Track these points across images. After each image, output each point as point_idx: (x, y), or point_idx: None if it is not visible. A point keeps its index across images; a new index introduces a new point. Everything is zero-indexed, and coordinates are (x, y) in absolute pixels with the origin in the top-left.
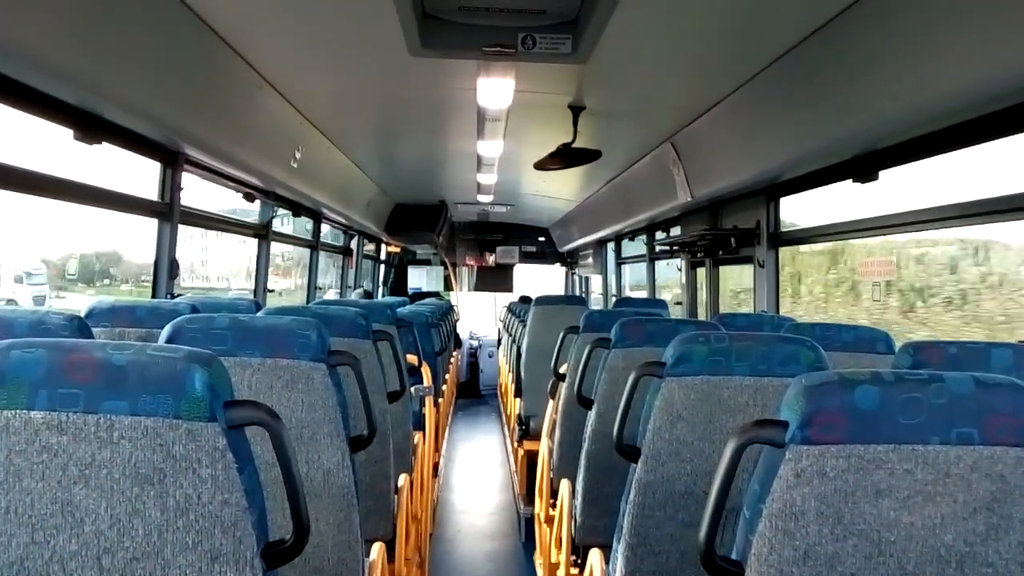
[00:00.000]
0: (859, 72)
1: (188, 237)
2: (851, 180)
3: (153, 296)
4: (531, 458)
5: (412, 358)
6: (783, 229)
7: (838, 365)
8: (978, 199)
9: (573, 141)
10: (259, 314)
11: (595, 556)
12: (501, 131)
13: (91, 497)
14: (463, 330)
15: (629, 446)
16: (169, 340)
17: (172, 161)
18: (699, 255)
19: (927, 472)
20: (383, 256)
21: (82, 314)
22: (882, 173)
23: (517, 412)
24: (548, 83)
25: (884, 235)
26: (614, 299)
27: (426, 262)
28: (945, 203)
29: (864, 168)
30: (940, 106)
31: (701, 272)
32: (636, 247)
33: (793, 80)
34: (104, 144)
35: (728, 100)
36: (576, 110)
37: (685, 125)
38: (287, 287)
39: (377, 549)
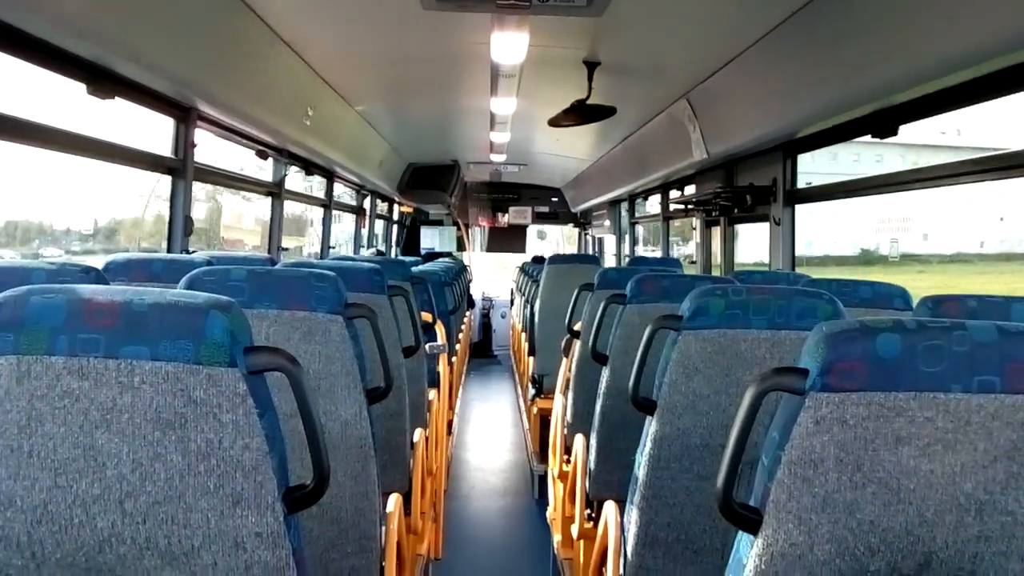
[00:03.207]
0: (875, 24)
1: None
2: (870, 136)
3: (168, 252)
4: (544, 416)
5: (426, 315)
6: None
7: None
8: (999, 154)
9: (588, 97)
10: (276, 267)
11: (610, 508)
12: (515, 87)
13: (113, 442)
14: (476, 291)
15: (645, 399)
16: None
17: (185, 117)
18: (714, 213)
19: (947, 420)
20: (396, 216)
21: (100, 267)
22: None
23: (531, 371)
24: (563, 37)
25: (904, 191)
26: (627, 259)
27: (439, 222)
28: (965, 158)
29: (883, 123)
30: (958, 57)
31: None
32: (650, 207)
33: (810, 34)
34: (117, 99)
35: (745, 55)
36: (591, 65)
37: (701, 81)
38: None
39: (394, 500)
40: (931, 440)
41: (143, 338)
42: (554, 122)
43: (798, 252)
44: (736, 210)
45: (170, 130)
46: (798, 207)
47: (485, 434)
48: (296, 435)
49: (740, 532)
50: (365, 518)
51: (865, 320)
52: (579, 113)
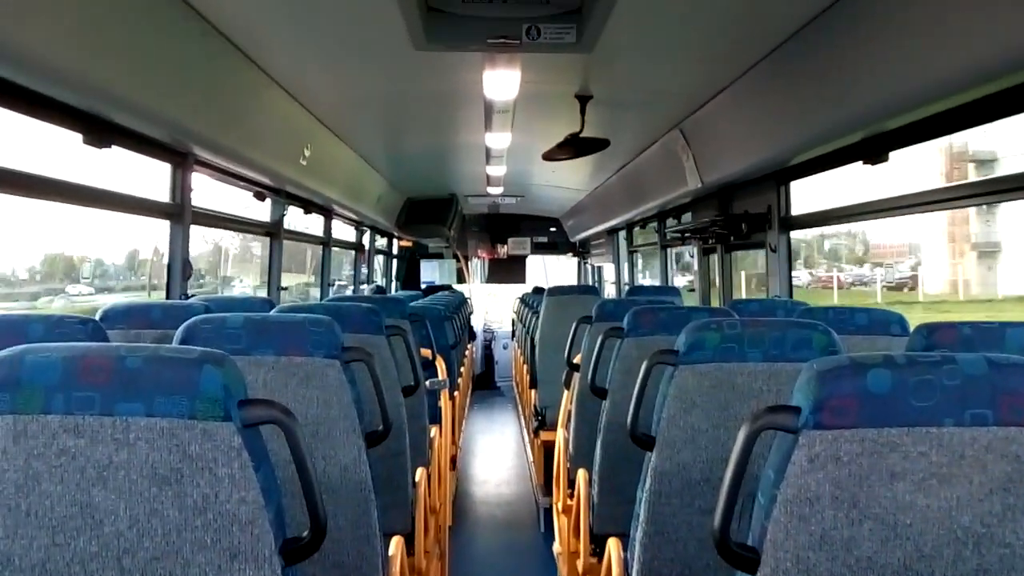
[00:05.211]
0: (865, 52)
1: None
2: (861, 162)
3: (167, 297)
4: (548, 449)
5: (426, 352)
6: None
7: (852, 348)
8: (992, 178)
9: (581, 131)
10: (272, 312)
11: (613, 545)
12: (509, 123)
13: (110, 498)
14: (477, 322)
15: (644, 434)
16: (183, 341)
17: (182, 162)
18: (711, 241)
19: (942, 454)
20: (395, 251)
21: (97, 316)
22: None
23: (533, 403)
24: (554, 73)
25: (897, 216)
26: (627, 288)
27: (438, 255)
28: (958, 183)
29: (874, 150)
30: (947, 83)
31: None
32: (648, 235)
33: (800, 62)
34: (113, 147)
35: (735, 85)
36: (583, 99)
37: (693, 111)
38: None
39: (395, 543)
40: (926, 475)
41: (138, 394)
42: (548, 156)
43: None
44: (732, 238)
45: (167, 175)
46: None
47: (490, 468)
48: (296, 482)
49: (739, 571)
50: (367, 562)
51: (856, 356)
52: (573, 147)
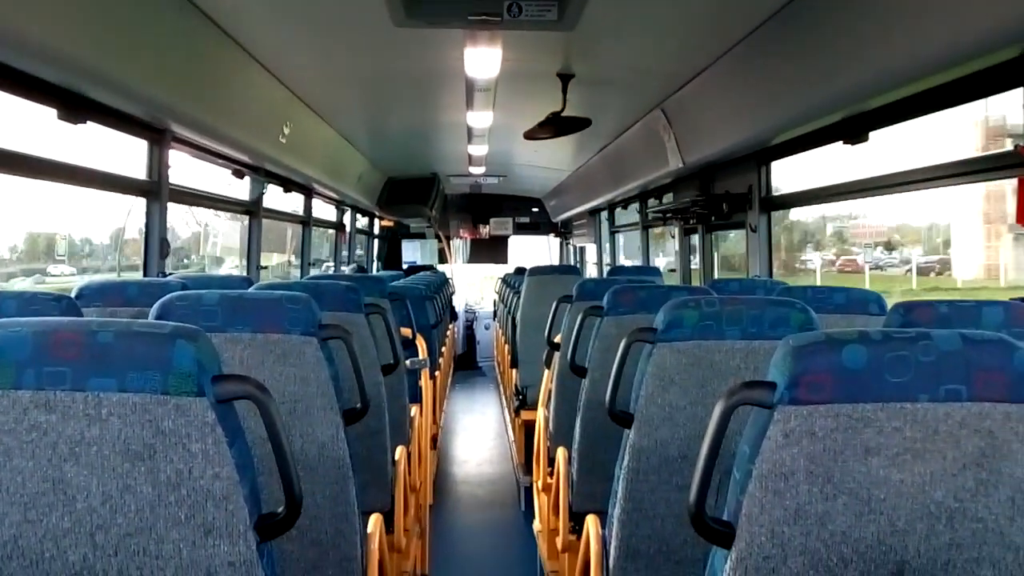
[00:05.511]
0: (847, 30)
1: None
2: (841, 142)
3: (144, 275)
4: (529, 428)
5: (406, 331)
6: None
7: (830, 327)
8: (969, 158)
9: (563, 110)
10: (249, 290)
11: (591, 522)
12: (490, 101)
13: (82, 474)
14: (459, 302)
15: (622, 412)
16: (158, 318)
17: (159, 139)
18: (692, 222)
19: (916, 429)
20: (376, 230)
21: (72, 294)
22: (872, 134)
23: (514, 383)
24: (536, 51)
25: (877, 196)
26: (608, 268)
27: (420, 235)
28: (937, 163)
29: (854, 129)
30: (929, 62)
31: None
32: (630, 215)
33: (781, 42)
34: (89, 123)
35: (717, 64)
36: (565, 78)
37: (675, 91)
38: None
39: (374, 520)
40: (900, 450)
41: (110, 370)
42: (530, 135)
43: None
44: (713, 218)
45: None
46: None
47: (471, 447)
48: (272, 458)
49: (714, 546)
50: (345, 539)
51: (831, 332)
52: (554, 126)
